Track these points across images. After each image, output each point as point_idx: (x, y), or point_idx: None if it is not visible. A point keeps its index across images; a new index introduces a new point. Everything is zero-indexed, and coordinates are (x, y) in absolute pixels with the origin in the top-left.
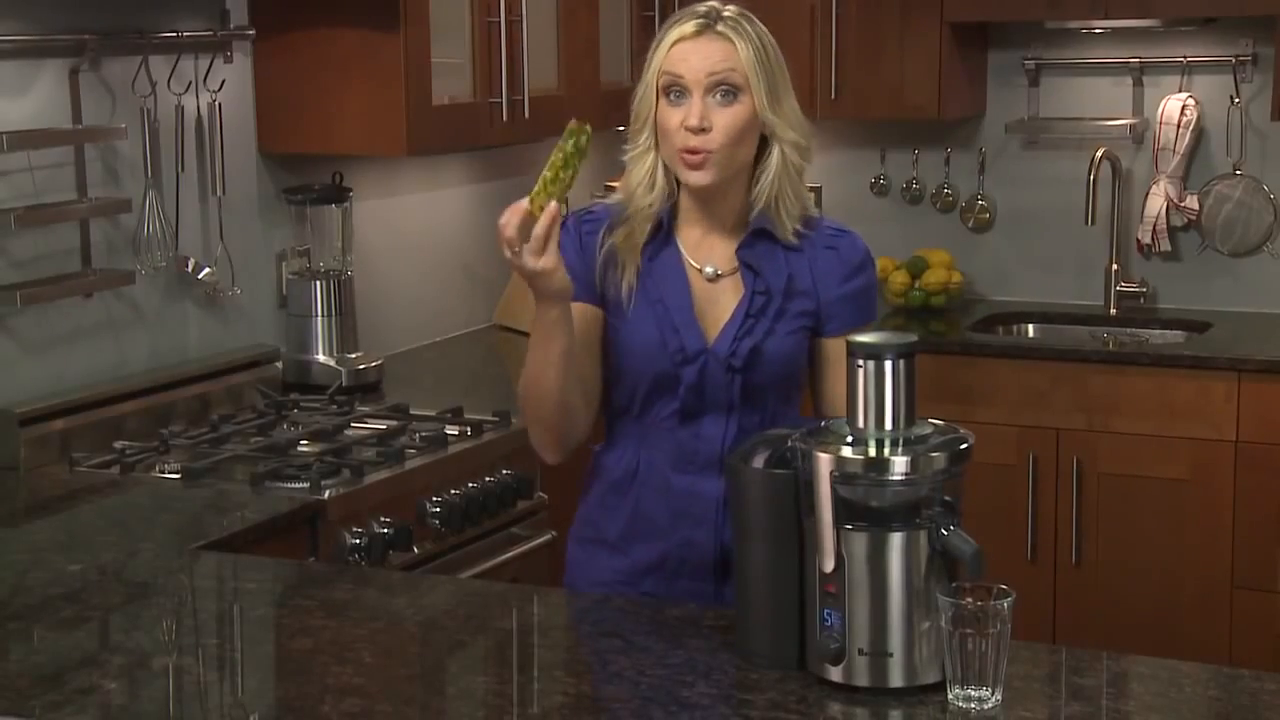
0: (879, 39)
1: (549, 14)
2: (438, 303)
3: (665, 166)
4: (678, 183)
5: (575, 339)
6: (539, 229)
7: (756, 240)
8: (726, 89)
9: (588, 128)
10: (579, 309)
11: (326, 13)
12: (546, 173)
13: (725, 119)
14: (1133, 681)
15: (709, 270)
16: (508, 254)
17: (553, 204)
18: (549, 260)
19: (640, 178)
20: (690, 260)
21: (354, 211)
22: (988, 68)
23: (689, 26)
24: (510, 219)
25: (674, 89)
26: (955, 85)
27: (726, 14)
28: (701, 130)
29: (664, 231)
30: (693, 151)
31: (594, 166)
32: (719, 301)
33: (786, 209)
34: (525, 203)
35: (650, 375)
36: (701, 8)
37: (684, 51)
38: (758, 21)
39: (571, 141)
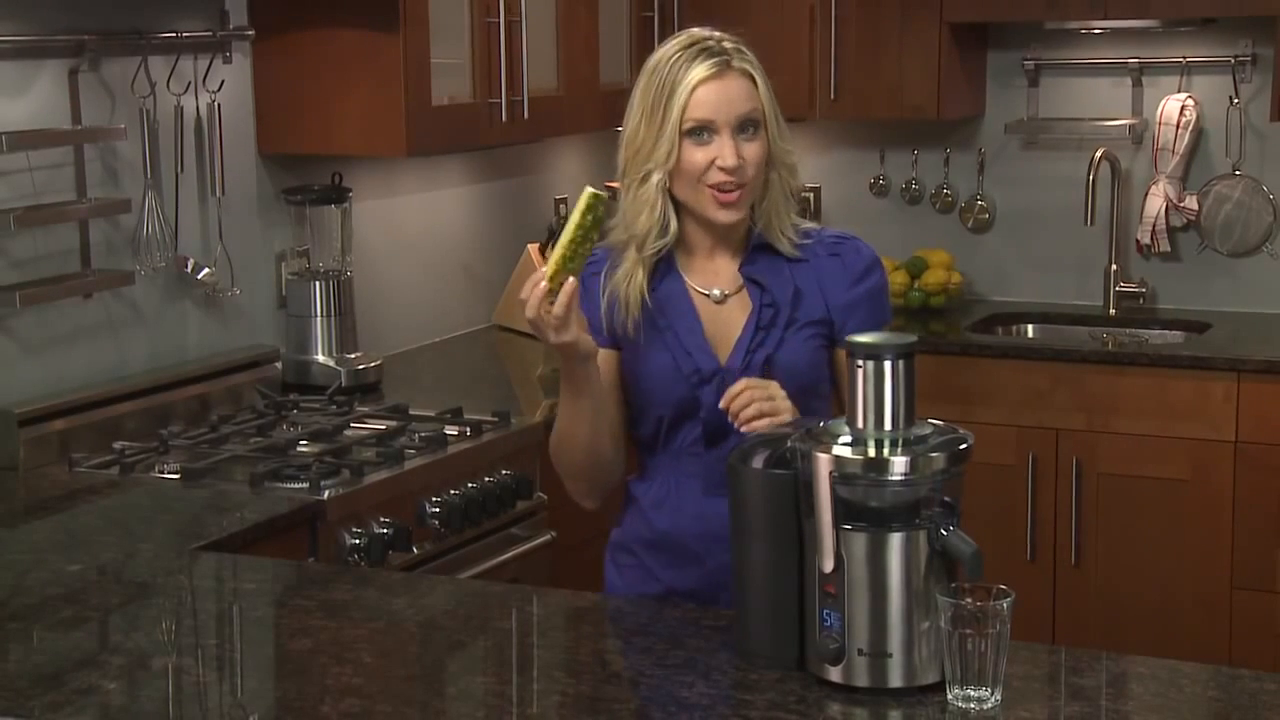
0: (878, 39)
1: (548, 14)
2: (437, 303)
3: (674, 205)
4: (677, 215)
5: (603, 392)
6: (558, 309)
7: (758, 256)
8: (752, 125)
9: (605, 196)
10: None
11: (326, 13)
12: (563, 249)
13: (751, 153)
14: (1132, 682)
15: (716, 293)
16: (530, 326)
17: (570, 281)
18: (570, 334)
19: (652, 221)
20: (696, 287)
21: (353, 212)
22: (987, 68)
23: (704, 68)
24: (531, 299)
25: (700, 131)
26: (954, 85)
27: (729, 45)
28: (736, 169)
29: (664, 263)
30: (727, 189)
31: (594, 167)
32: (729, 321)
33: (781, 225)
34: (544, 282)
35: (671, 403)
36: (702, 42)
37: (709, 94)
38: (750, 47)
39: (590, 215)
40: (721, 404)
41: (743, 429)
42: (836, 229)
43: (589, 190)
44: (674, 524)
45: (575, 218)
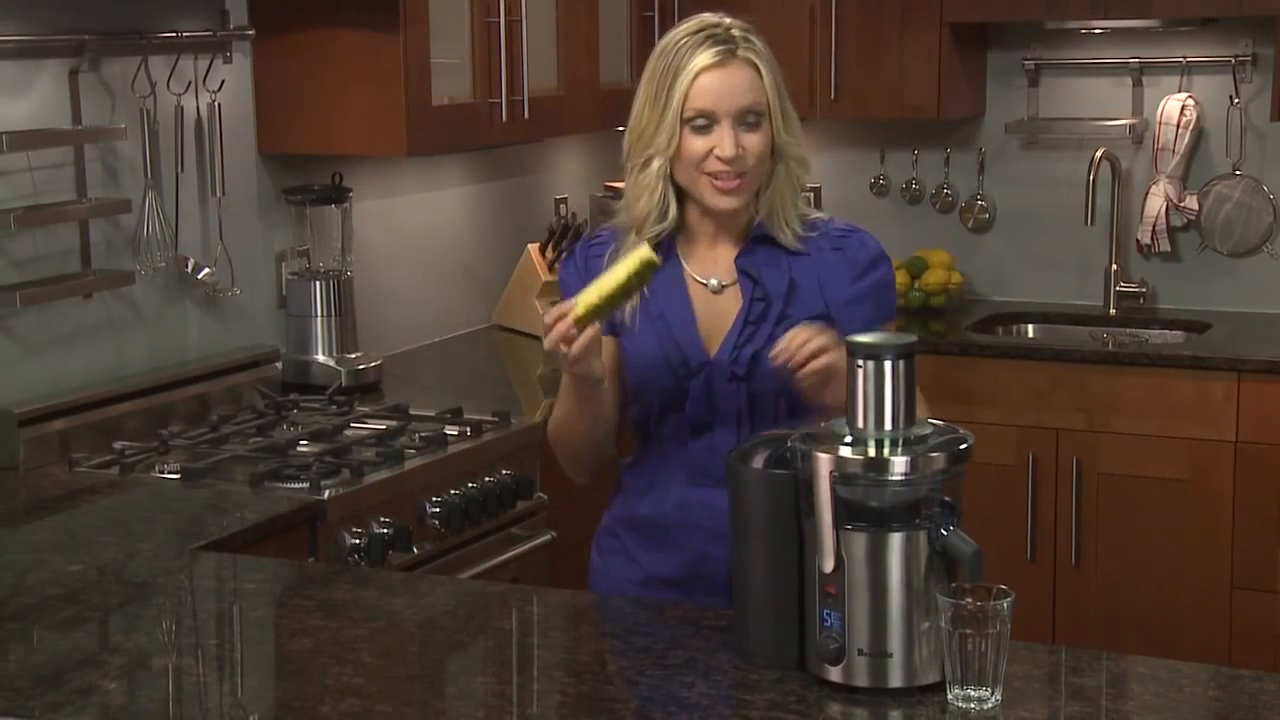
0: (879, 39)
1: (548, 14)
2: (437, 303)
3: (675, 191)
4: (679, 202)
5: (606, 401)
6: (576, 348)
7: (756, 247)
8: (754, 116)
9: (658, 262)
10: None
11: (326, 13)
12: (601, 299)
13: (752, 144)
14: (1132, 682)
15: (714, 283)
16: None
17: (594, 328)
18: (584, 366)
19: (652, 205)
20: (695, 275)
21: (354, 212)
22: (987, 68)
23: (708, 56)
24: (554, 332)
25: (700, 119)
26: (955, 85)
27: (737, 33)
28: (735, 160)
29: (664, 248)
30: (725, 178)
31: (594, 167)
32: (723, 313)
33: (785, 217)
34: (571, 316)
35: (657, 391)
36: (709, 27)
37: (711, 83)
38: (760, 35)
39: (638, 278)
40: (775, 356)
41: (801, 374)
42: (845, 221)
43: (646, 254)
44: (656, 511)
45: (622, 275)
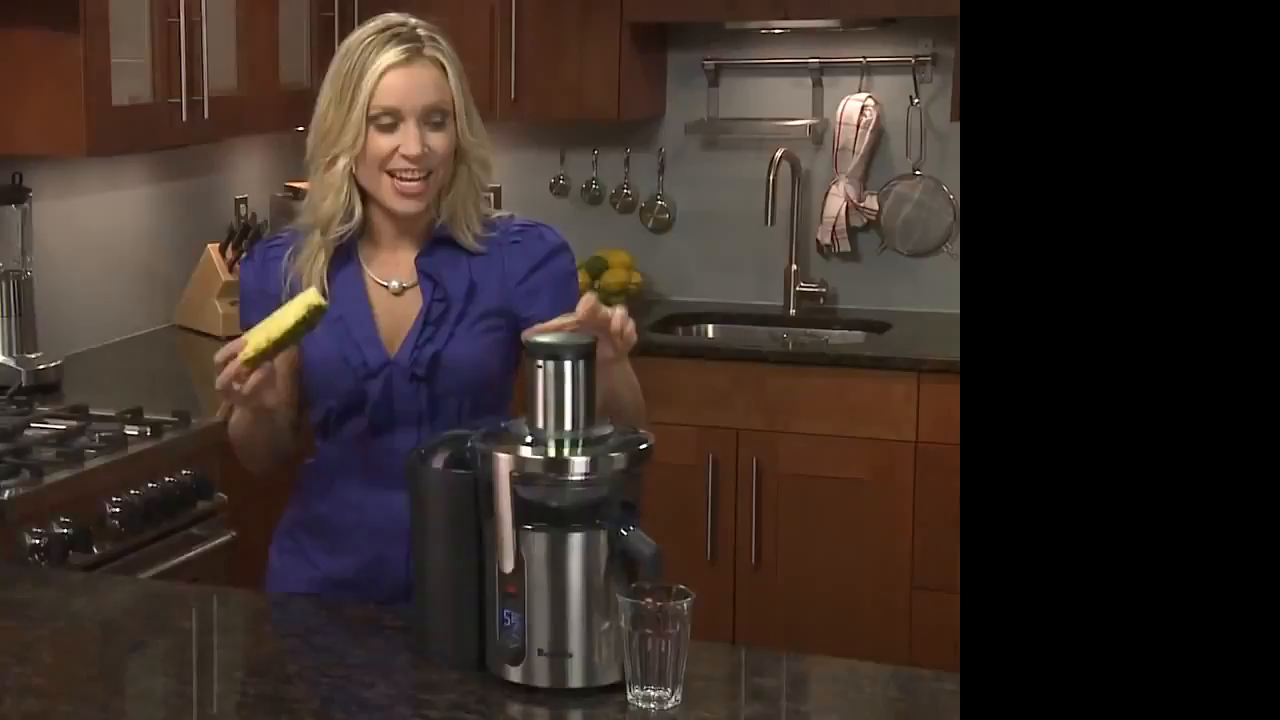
0: (558, 40)
1: (229, 14)
2: (118, 303)
3: (359, 191)
4: (364, 202)
5: (281, 416)
6: (248, 388)
7: (436, 249)
8: (439, 115)
9: (326, 307)
10: None
11: (4, 13)
12: (269, 342)
13: (437, 143)
14: (813, 682)
15: (395, 284)
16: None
17: (261, 370)
18: (257, 402)
19: (338, 205)
20: (375, 277)
21: (34, 212)
22: (667, 68)
23: (394, 54)
24: (224, 373)
25: (386, 118)
26: (635, 86)
27: (423, 33)
28: (420, 158)
29: (345, 250)
30: (409, 178)
31: (275, 167)
32: (404, 315)
33: (467, 219)
34: (240, 358)
35: (337, 393)
36: (395, 27)
37: (397, 81)
38: (446, 36)
39: (305, 325)
40: (614, 327)
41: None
42: (526, 217)
43: (314, 299)
44: (332, 512)
45: (290, 320)
